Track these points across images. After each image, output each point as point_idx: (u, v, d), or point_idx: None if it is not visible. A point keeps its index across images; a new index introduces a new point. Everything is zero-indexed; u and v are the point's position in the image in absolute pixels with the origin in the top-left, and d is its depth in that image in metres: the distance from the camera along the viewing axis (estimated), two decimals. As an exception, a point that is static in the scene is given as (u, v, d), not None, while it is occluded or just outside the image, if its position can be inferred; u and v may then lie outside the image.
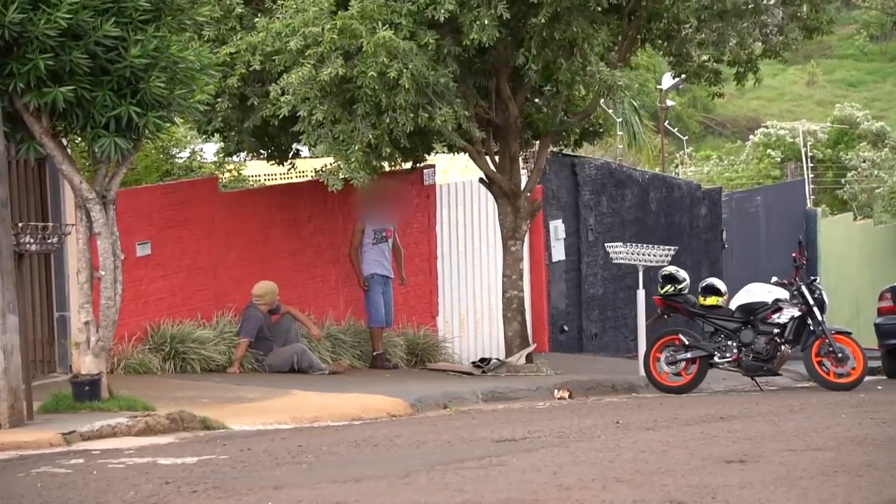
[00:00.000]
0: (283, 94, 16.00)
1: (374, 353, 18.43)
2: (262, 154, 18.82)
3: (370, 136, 16.11)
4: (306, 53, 15.90)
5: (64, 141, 12.61)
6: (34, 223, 12.95)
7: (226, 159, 20.47)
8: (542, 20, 16.62)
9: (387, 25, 15.88)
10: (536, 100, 19.29)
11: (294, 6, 16.15)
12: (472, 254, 21.34)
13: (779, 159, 50.43)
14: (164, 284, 16.83)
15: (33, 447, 10.60)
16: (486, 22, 16.23)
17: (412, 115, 16.12)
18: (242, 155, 19.85)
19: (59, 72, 11.67)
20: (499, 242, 19.77)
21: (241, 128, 17.18)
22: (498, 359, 19.09)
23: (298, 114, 16.04)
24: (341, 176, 16.21)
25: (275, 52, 16.12)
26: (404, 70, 15.77)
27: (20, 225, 12.15)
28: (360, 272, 18.49)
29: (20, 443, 10.67)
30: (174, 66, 12.08)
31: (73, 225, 12.92)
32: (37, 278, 15.24)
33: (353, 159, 16.06)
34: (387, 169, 17.90)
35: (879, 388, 17.82)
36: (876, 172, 46.61)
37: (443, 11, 16.14)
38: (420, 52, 16.04)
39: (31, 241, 12.10)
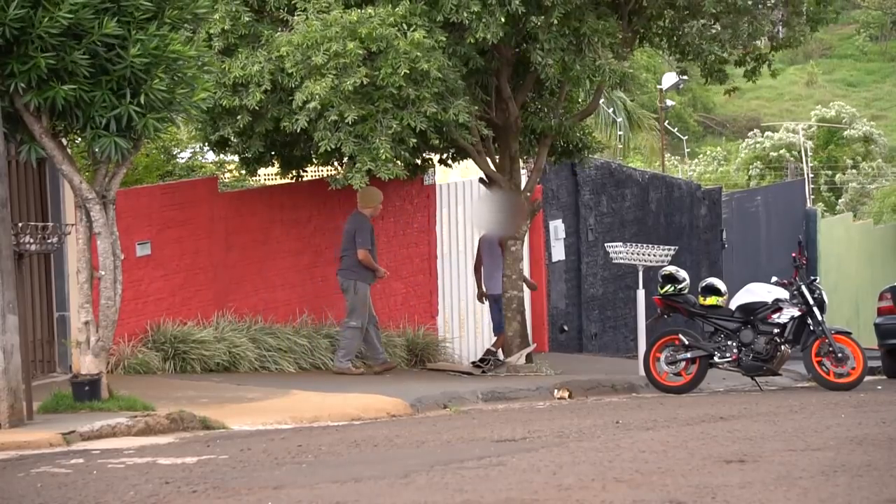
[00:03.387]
0: (304, 105, 15.95)
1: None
2: (272, 164, 18.72)
3: (395, 126, 16.13)
4: (328, 66, 15.90)
5: (64, 141, 12.61)
6: (34, 223, 12.95)
7: (247, 177, 20.39)
8: (555, 20, 16.65)
9: (412, 27, 16.03)
10: (535, 102, 19.28)
11: (319, 24, 16.08)
12: (472, 254, 21.33)
13: (766, 175, 50.76)
14: (164, 284, 16.83)
15: (33, 447, 10.59)
16: (502, 20, 16.31)
17: (433, 105, 16.21)
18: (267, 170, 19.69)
19: (59, 71, 11.67)
20: (499, 242, 19.76)
21: (253, 133, 17.03)
22: (498, 359, 19.10)
23: (331, 118, 15.97)
24: (366, 169, 16.16)
25: (295, 64, 16.06)
26: (431, 63, 15.93)
27: (20, 225, 12.15)
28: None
29: (20, 443, 10.67)
30: (174, 64, 12.07)
31: (73, 225, 12.92)
32: (37, 278, 15.25)
33: (381, 152, 16.05)
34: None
35: (879, 388, 17.82)
36: (878, 182, 46.65)
37: (465, 14, 16.24)
38: (438, 49, 16.23)
39: (31, 241, 12.09)
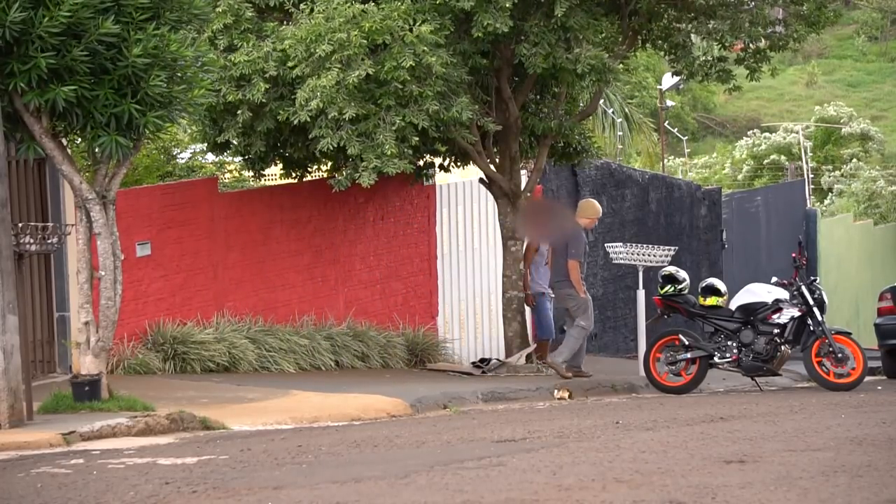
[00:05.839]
0: (308, 100, 15.96)
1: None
2: (275, 163, 18.71)
3: (398, 121, 16.13)
4: (332, 59, 15.91)
5: (64, 141, 12.61)
6: (34, 223, 12.95)
7: (250, 177, 20.41)
8: (559, 13, 16.66)
9: (419, 22, 16.06)
10: (536, 103, 19.27)
11: (323, 15, 16.10)
12: (472, 254, 21.34)
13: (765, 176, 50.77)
14: (164, 284, 16.83)
15: (33, 447, 10.60)
16: (507, 5, 16.31)
17: (436, 103, 16.22)
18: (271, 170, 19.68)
19: (59, 71, 11.67)
20: (499, 242, 19.78)
21: (255, 132, 17.06)
22: (498, 359, 19.10)
23: (329, 115, 15.99)
24: (372, 166, 16.16)
25: (298, 61, 16.08)
26: (436, 58, 15.96)
27: (20, 225, 12.15)
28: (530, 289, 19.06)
29: (20, 443, 10.67)
30: (174, 63, 12.08)
31: (73, 225, 12.92)
32: (37, 278, 15.25)
33: (387, 147, 16.05)
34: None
35: (879, 388, 17.81)
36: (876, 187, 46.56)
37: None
38: (443, 45, 16.27)
39: (31, 241, 12.10)
